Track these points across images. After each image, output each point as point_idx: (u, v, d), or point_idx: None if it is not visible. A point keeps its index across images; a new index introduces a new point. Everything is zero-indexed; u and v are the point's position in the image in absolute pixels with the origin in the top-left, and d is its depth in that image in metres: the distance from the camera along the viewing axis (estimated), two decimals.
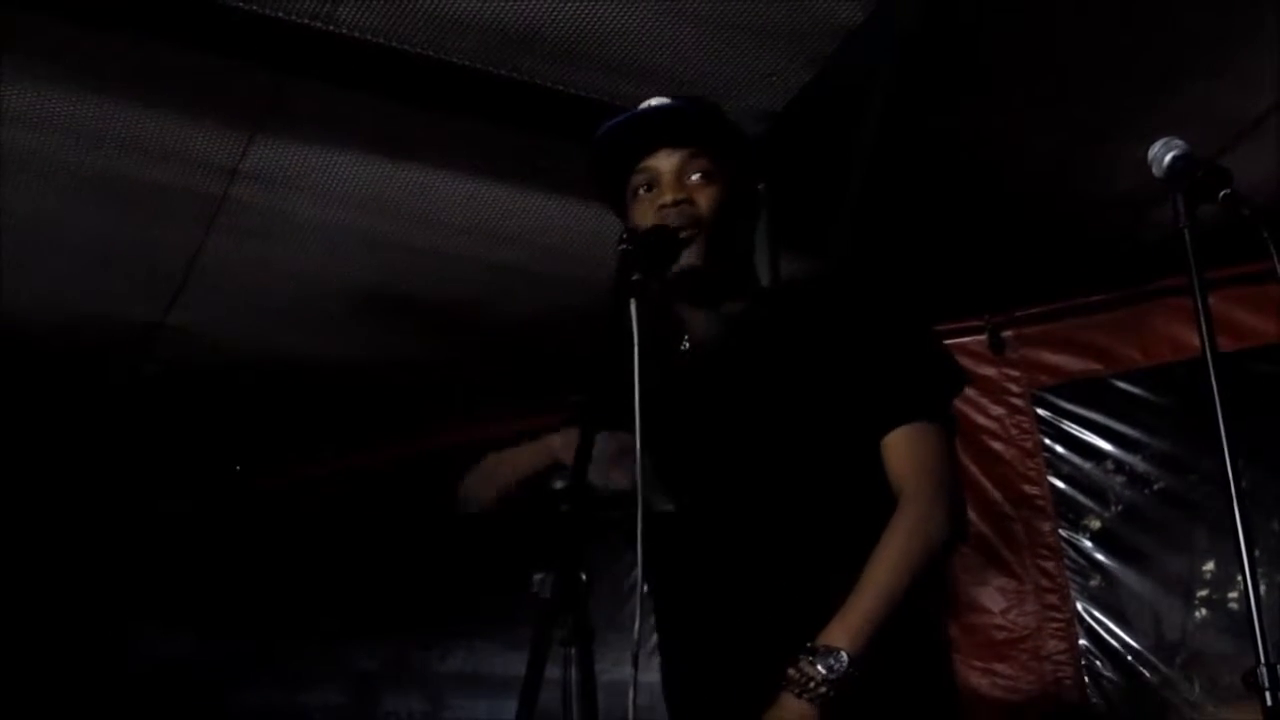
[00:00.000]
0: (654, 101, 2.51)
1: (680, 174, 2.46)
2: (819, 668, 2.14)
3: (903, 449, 2.36)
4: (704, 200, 2.44)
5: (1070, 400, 4.48)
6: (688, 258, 2.41)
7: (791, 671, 2.17)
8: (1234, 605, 4.28)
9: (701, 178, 2.45)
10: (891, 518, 2.30)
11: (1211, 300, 2.12)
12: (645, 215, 2.46)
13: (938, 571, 2.43)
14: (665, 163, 2.47)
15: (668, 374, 2.51)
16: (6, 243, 4.22)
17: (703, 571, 2.41)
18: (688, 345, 2.59)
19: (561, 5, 3.38)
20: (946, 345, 2.64)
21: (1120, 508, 4.50)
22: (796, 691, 2.15)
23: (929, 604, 2.44)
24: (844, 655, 2.14)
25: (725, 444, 2.45)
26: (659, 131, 2.48)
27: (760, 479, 2.41)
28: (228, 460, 5.92)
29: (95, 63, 3.53)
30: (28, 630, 5.65)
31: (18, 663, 5.55)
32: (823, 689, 2.13)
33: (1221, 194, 2.15)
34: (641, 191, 2.49)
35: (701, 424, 2.48)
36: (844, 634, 2.17)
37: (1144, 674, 4.23)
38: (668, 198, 2.44)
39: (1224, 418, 2.02)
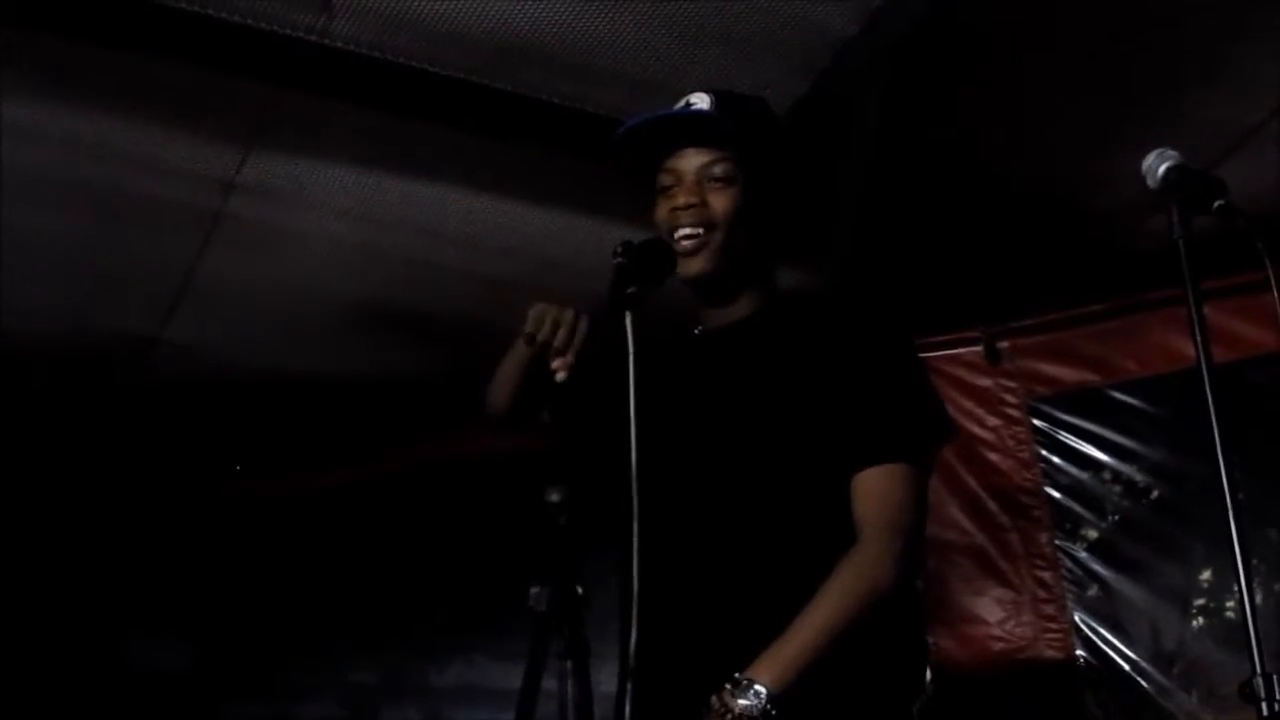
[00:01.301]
0: (694, 98, 2.51)
1: (700, 177, 2.47)
2: (739, 701, 2.12)
3: (871, 489, 2.34)
4: (719, 205, 2.45)
5: (1066, 411, 4.50)
6: (696, 264, 2.44)
7: (713, 700, 2.16)
8: (1231, 615, 4.29)
9: (720, 182, 2.46)
10: (845, 556, 2.28)
11: (1207, 311, 2.13)
12: (663, 214, 2.49)
13: (912, 596, 2.43)
14: (688, 164, 2.48)
15: (678, 356, 2.55)
16: (2, 256, 4.21)
17: (658, 573, 2.39)
18: (699, 331, 2.61)
19: (556, 19, 3.38)
20: (939, 392, 2.61)
21: (1117, 518, 4.52)
22: None
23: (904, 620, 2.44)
24: (764, 692, 2.12)
25: (704, 447, 2.46)
26: (687, 132, 2.49)
27: (728, 490, 2.41)
28: (225, 473, 5.92)
29: (89, 77, 3.53)
30: (25, 640, 5.65)
31: (15, 671, 5.54)
32: None
33: (1216, 205, 2.16)
34: (664, 190, 2.50)
35: (689, 421, 2.48)
36: (769, 670, 2.16)
37: (1141, 684, 4.23)
38: (681, 201, 2.46)
39: (1220, 428, 2.03)
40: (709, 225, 2.44)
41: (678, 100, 2.55)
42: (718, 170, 2.46)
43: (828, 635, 2.20)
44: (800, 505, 2.36)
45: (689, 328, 2.63)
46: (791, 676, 2.15)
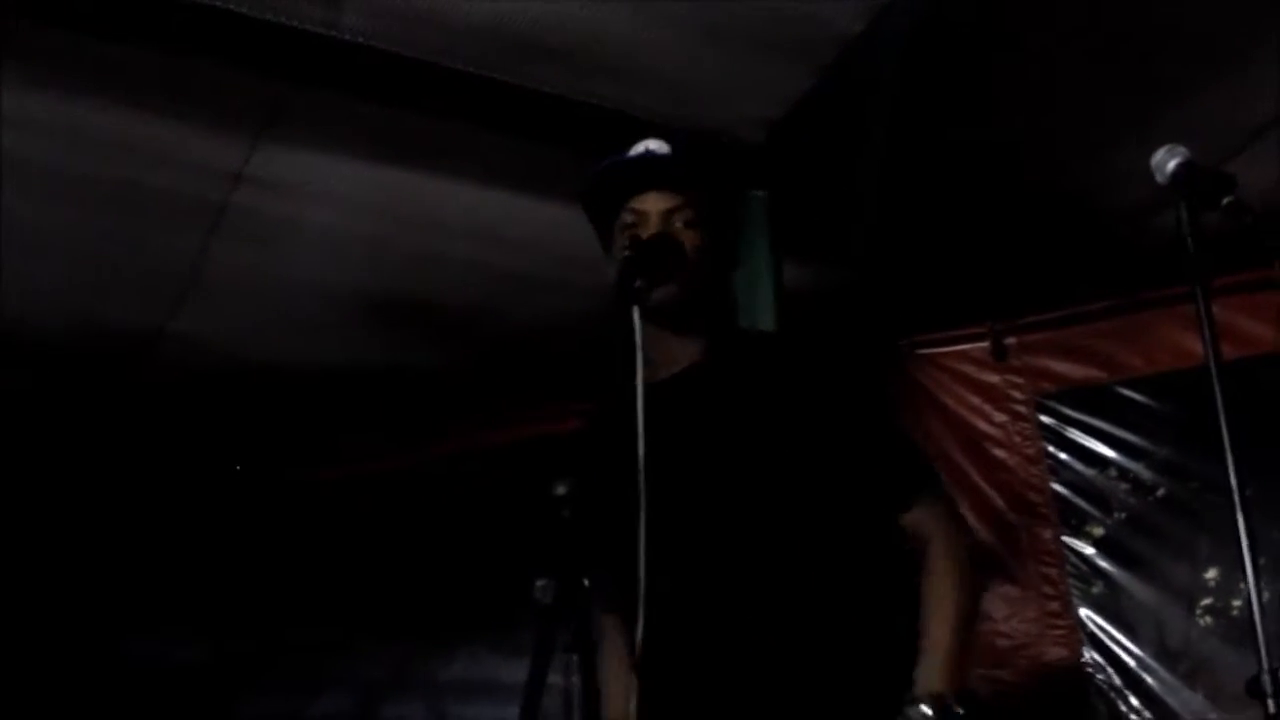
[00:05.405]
0: (652, 144, 2.55)
1: (666, 217, 2.48)
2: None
3: (923, 523, 2.42)
4: (686, 243, 2.45)
5: (1073, 407, 4.49)
6: (669, 289, 2.41)
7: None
8: (1237, 613, 4.28)
9: (686, 225, 2.48)
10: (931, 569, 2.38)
11: (1215, 308, 2.13)
12: (628, 246, 2.47)
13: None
14: (653, 205, 2.50)
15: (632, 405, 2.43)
16: (9, 248, 4.21)
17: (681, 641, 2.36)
18: (656, 381, 2.48)
19: (566, 13, 3.39)
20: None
21: (1123, 515, 4.51)
22: None
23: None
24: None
25: (697, 495, 2.39)
26: (653, 175, 2.52)
27: (737, 532, 2.36)
28: (229, 467, 5.92)
29: (98, 69, 3.53)
30: (37, 637, 5.66)
31: (27, 667, 5.56)
32: None
33: (1224, 201, 2.15)
34: (627, 228, 2.51)
35: (676, 470, 2.37)
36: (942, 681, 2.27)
37: (1147, 681, 4.23)
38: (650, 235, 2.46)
39: (1228, 425, 2.02)
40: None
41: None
42: (683, 214, 2.49)
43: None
44: (814, 547, 2.37)
45: (630, 378, 2.55)
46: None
